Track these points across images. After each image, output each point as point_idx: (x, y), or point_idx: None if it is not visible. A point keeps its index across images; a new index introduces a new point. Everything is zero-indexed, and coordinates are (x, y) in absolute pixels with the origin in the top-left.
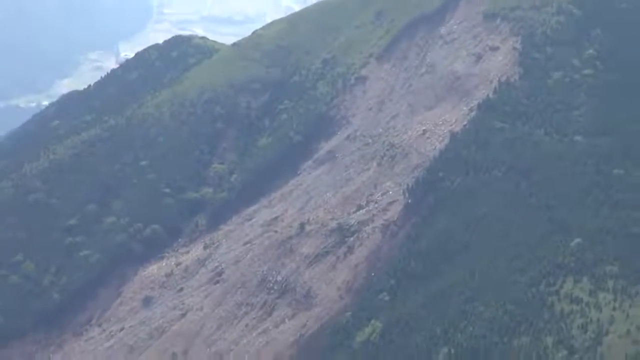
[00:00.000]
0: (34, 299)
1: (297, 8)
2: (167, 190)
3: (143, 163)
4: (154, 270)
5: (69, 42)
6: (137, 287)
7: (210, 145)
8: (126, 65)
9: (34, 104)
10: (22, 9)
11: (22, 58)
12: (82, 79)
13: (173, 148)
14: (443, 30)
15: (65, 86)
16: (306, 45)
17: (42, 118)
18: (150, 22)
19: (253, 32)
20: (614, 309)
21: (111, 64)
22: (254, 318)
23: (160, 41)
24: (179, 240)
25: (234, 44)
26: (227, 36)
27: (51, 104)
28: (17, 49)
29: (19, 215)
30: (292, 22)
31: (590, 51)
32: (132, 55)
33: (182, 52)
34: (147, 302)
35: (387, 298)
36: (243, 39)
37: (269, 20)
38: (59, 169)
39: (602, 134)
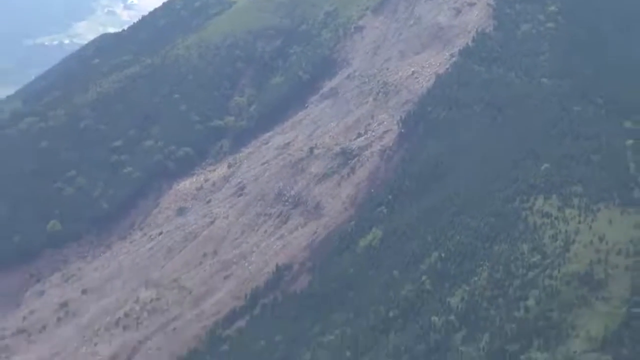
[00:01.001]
0: (86, 208)
1: None
2: (196, 118)
3: (176, 96)
4: (186, 184)
5: None
6: (172, 199)
7: (231, 81)
8: (154, 14)
9: (56, 42)
10: None
11: (43, 2)
12: (97, 21)
13: (201, 84)
14: None
15: (83, 27)
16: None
17: (82, 56)
18: None
19: None
20: (579, 222)
21: (120, 10)
22: (271, 225)
23: None
24: (207, 160)
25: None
26: None
27: (88, 44)
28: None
29: (72, 138)
30: None
31: (553, 8)
32: (136, 1)
33: (203, 3)
34: (181, 211)
35: (385, 211)
36: None
37: None
38: (105, 100)
39: (563, 76)
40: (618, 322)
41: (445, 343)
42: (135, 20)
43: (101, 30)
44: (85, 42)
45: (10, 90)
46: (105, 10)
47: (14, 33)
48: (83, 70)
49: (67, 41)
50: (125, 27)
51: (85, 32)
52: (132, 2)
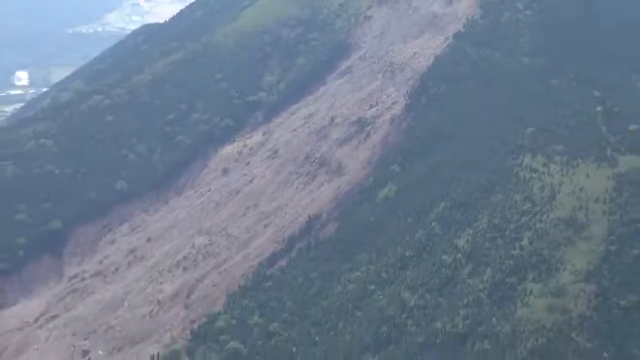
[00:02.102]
0: (147, 170)
1: None
2: (235, 94)
3: (217, 76)
4: (228, 149)
5: None
6: (218, 162)
7: (262, 63)
8: (190, 7)
9: (91, 31)
10: None
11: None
12: (123, 12)
13: (237, 65)
14: None
15: (112, 17)
16: None
17: (131, 44)
18: None
19: None
20: (562, 175)
21: (142, 1)
22: (302, 182)
23: None
24: (245, 129)
25: None
26: None
27: (134, 33)
28: None
29: (132, 113)
30: None
31: None
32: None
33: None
34: (225, 171)
35: (398, 169)
36: None
37: None
38: (158, 80)
39: (540, 55)
40: (598, 258)
41: (454, 277)
42: (154, 9)
43: (127, 20)
44: (116, 29)
45: (61, 71)
46: (131, 2)
47: (56, 23)
48: (135, 55)
49: (100, 29)
50: (131, 23)
51: (115, 21)
52: None
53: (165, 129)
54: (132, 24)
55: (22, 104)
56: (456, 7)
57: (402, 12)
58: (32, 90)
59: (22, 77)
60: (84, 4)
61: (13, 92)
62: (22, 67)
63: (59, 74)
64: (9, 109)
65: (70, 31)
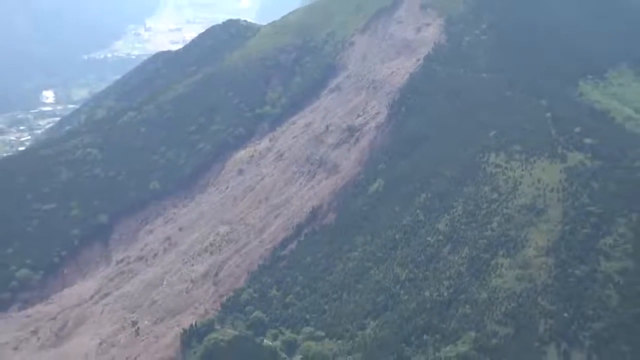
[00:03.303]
0: (175, 172)
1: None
2: (245, 108)
3: (230, 94)
4: (242, 154)
5: (113, 16)
6: (233, 164)
7: (266, 82)
8: (201, 36)
9: (102, 56)
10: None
11: (86, 27)
12: (128, 40)
13: (246, 84)
14: (396, 15)
15: (119, 45)
16: (317, 24)
17: (152, 67)
18: (160, 6)
19: (282, 17)
20: (522, 170)
21: (142, 31)
22: (304, 179)
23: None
24: (254, 136)
25: (270, 24)
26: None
27: (153, 58)
28: (82, 22)
29: (161, 125)
30: (306, 10)
31: (484, 25)
32: (150, 25)
33: (238, 29)
34: (240, 172)
35: (384, 167)
36: (276, 21)
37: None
38: (181, 98)
39: (496, 72)
40: (556, 236)
41: (437, 254)
42: (152, 38)
43: (131, 47)
44: (123, 55)
45: (81, 91)
46: (133, 32)
47: (73, 50)
48: (157, 78)
49: (110, 55)
50: (134, 50)
51: (121, 48)
52: (149, 26)
53: (188, 138)
54: (136, 50)
55: (54, 118)
56: (424, 34)
57: (380, 39)
58: (60, 107)
59: (48, 96)
60: (94, 32)
61: (44, 108)
62: (48, 87)
63: (80, 93)
64: (44, 122)
65: (86, 57)
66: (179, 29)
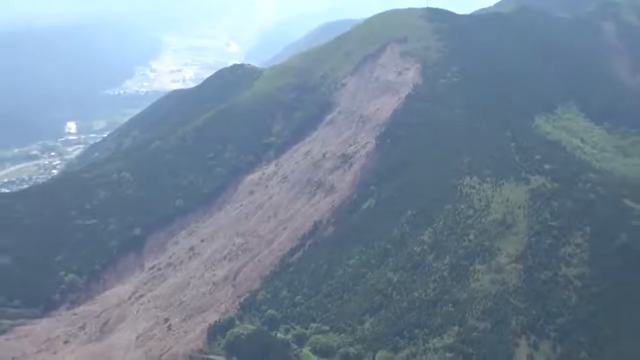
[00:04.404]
0: (196, 192)
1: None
2: (254, 138)
3: (241, 126)
4: (252, 177)
5: (121, 57)
6: (245, 185)
7: (271, 117)
8: (214, 76)
9: (115, 93)
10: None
11: (100, 66)
12: (136, 79)
13: (254, 118)
14: (380, 60)
15: (129, 83)
16: (312, 68)
17: (167, 104)
18: (162, 49)
19: (282, 63)
20: (493, 190)
21: (148, 72)
22: (306, 198)
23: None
24: (262, 162)
25: (272, 68)
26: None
27: (165, 96)
28: (96, 61)
29: (183, 152)
30: (302, 57)
31: (455, 69)
32: (154, 67)
33: (244, 72)
34: (251, 192)
35: (374, 188)
36: (277, 65)
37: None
38: (199, 130)
39: (467, 108)
40: (523, 246)
41: (423, 262)
42: (157, 77)
43: (140, 85)
44: (132, 92)
45: (99, 123)
46: (141, 72)
47: (89, 86)
48: (174, 112)
49: (122, 92)
50: (142, 88)
51: (131, 86)
52: (154, 68)
53: (207, 164)
54: (143, 88)
55: (79, 145)
56: (405, 77)
57: (367, 80)
58: (83, 136)
59: (71, 126)
60: (107, 71)
61: (69, 137)
62: (71, 119)
63: (99, 124)
64: (71, 149)
65: (102, 93)
66: (179, 70)
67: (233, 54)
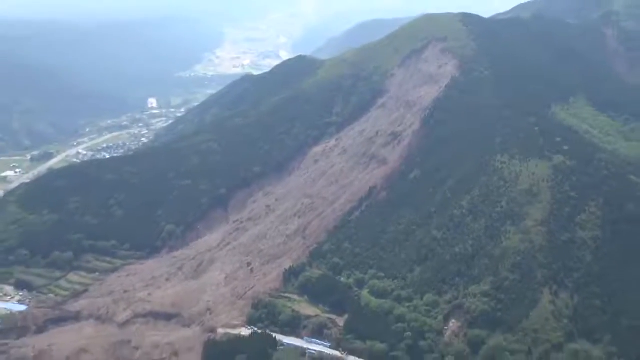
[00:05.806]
0: (271, 160)
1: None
2: (318, 118)
3: (307, 107)
4: (316, 149)
5: (192, 44)
6: (311, 156)
7: (332, 101)
8: (278, 66)
9: (187, 75)
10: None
11: (173, 51)
12: (204, 64)
13: (318, 101)
14: (423, 56)
15: (200, 68)
16: (366, 61)
17: (241, 87)
18: (225, 40)
19: (340, 54)
20: (520, 166)
21: (214, 58)
22: (362, 168)
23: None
24: (325, 137)
25: (332, 59)
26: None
27: (239, 80)
28: (171, 47)
29: (260, 129)
30: (357, 51)
31: (486, 64)
32: (218, 55)
33: (308, 62)
34: (316, 161)
35: (419, 160)
36: (336, 57)
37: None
38: (272, 110)
39: (497, 97)
40: (547, 213)
41: (462, 223)
42: (221, 63)
43: (206, 70)
44: (201, 75)
45: (176, 100)
46: (207, 59)
47: (165, 68)
48: (247, 94)
49: (192, 74)
50: (209, 72)
51: (200, 70)
52: (218, 55)
53: (279, 137)
54: (210, 72)
55: (161, 118)
56: (444, 69)
57: (412, 72)
58: (165, 110)
59: (152, 102)
60: (180, 56)
61: (153, 111)
62: (152, 96)
63: (176, 101)
64: (154, 120)
65: (176, 75)
66: (238, 57)
67: (282, 45)
